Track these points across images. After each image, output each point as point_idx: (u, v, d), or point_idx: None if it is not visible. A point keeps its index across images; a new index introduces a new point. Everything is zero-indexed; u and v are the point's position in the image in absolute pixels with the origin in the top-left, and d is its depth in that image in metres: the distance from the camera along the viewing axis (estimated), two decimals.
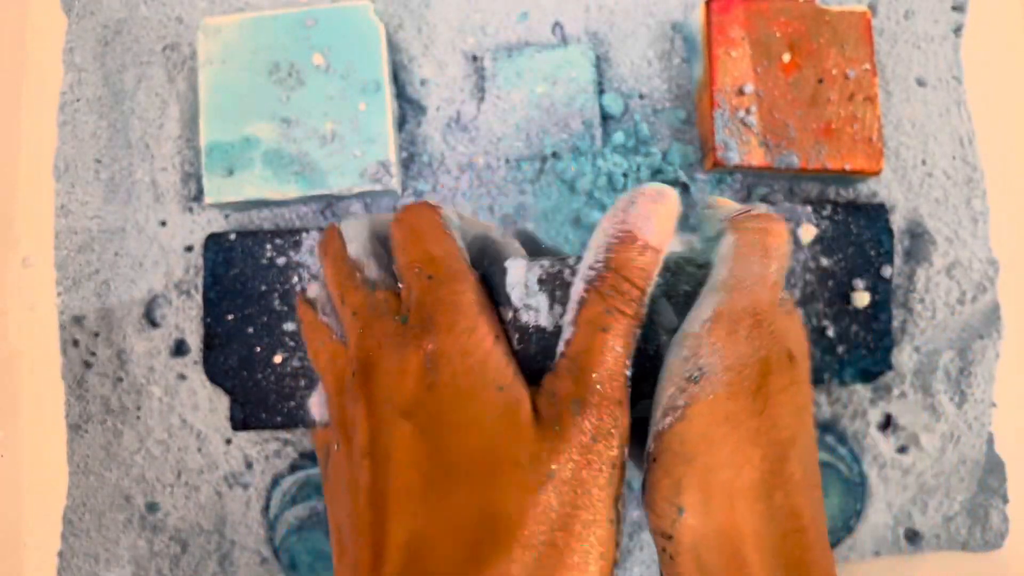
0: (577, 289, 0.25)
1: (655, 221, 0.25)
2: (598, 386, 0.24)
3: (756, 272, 0.26)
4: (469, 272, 0.26)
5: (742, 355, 0.25)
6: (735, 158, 0.44)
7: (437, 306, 0.25)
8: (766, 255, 0.26)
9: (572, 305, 0.25)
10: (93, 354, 0.47)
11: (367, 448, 0.25)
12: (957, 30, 0.49)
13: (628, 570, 0.45)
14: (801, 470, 0.26)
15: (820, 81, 0.45)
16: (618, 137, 0.47)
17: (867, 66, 0.45)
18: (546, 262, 0.26)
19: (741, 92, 0.45)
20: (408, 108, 0.48)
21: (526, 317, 0.26)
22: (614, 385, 0.24)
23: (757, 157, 0.44)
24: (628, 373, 0.25)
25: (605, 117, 0.47)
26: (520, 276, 0.26)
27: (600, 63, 0.48)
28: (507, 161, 0.47)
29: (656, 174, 0.46)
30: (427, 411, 0.24)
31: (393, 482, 0.24)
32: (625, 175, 0.46)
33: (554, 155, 0.46)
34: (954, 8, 0.49)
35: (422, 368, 0.24)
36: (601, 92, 0.47)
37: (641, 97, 0.48)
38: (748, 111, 0.44)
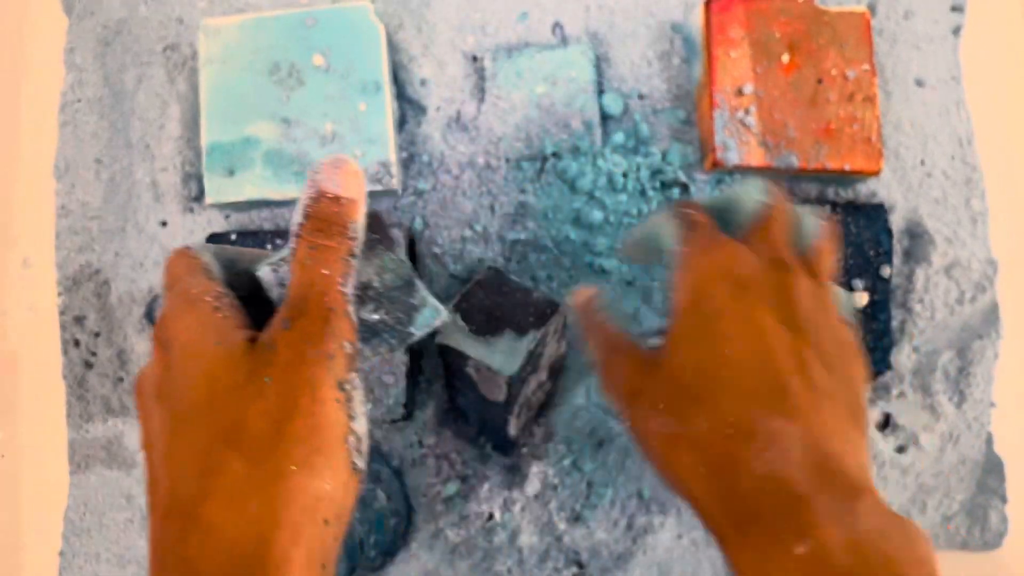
0: (291, 245, 0.28)
1: (339, 177, 0.28)
2: (306, 304, 0.27)
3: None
4: (201, 274, 0.29)
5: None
6: (735, 158, 0.44)
7: (168, 301, 0.28)
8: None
9: (291, 258, 0.28)
10: (94, 354, 0.47)
11: (143, 442, 0.28)
12: (956, 31, 0.49)
13: (629, 571, 0.45)
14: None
15: (819, 81, 0.45)
16: (618, 137, 0.47)
17: (866, 66, 0.45)
18: (285, 259, 0.29)
19: (741, 92, 0.45)
20: (408, 108, 0.48)
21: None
22: (324, 300, 0.27)
23: (757, 157, 0.44)
24: (345, 291, 0.28)
25: (605, 117, 0.47)
26: (270, 278, 0.29)
27: (600, 63, 0.48)
28: (507, 161, 0.47)
29: (656, 174, 0.46)
30: (168, 386, 0.27)
31: (154, 451, 0.27)
32: (625, 175, 0.46)
33: (554, 155, 0.46)
34: (953, 9, 0.49)
35: (160, 356, 0.27)
36: (601, 92, 0.47)
37: (641, 97, 0.48)
38: (747, 111, 0.44)
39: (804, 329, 0.30)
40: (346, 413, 0.27)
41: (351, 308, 0.28)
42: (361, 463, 0.27)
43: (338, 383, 0.27)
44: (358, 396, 0.27)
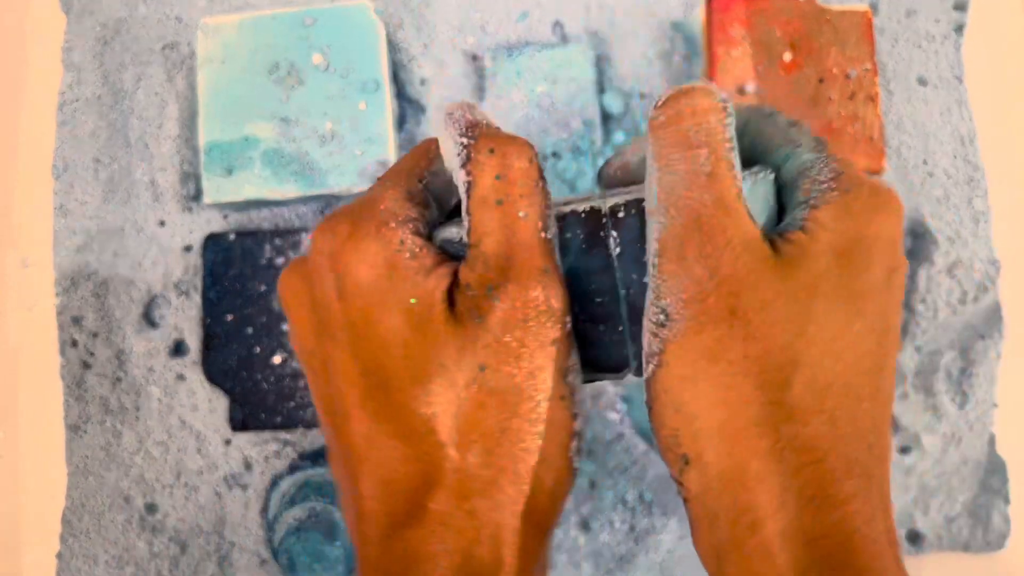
0: (459, 177, 0.24)
1: (481, 113, 0.25)
2: (511, 264, 0.23)
3: (683, 172, 0.22)
4: (396, 188, 0.25)
5: (699, 280, 0.22)
6: None
7: (357, 204, 0.24)
8: (687, 146, 0.22)
9: (461, 195, 0.24)
10: (92, 354, 0.47)
11: (325, 371, 0.25)
12: (958, 29, 0.49)
13: (632, 572, 0.45)
14: (811, 394, 0.22)
15: (821, 80, 0.45)
16: (619, 137, 0.46)
17: (868, 65, 0.45)
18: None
19: (742, 91, 0.44)
20: (408, 107, 0.48)
21: None
22: (531, 254, 0.23)
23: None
24: (547, 236, 0.23)
25: (606, 117, 0.47)
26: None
27: (600, 62, 0.48)
28: None
29: None
30: (349, 331, 0.23)
31: (343, 400, 0.24)
32: None
33: (555, 155, 0.46)
34: (955, 7, 0.49)
35: (328, 274, 0.23)
36: (601, 91, 0.47)
37: (642, 96, 0.48)
38: None
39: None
40: (570, 412, 0.24)
41: (560, 265, 0.24)
42: (578, 462, 0.24)
43: (562, 375, 0.23)
44: (578, 383, 0.24)
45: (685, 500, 0.25)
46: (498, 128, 0.24)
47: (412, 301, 0.23)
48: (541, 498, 0.23)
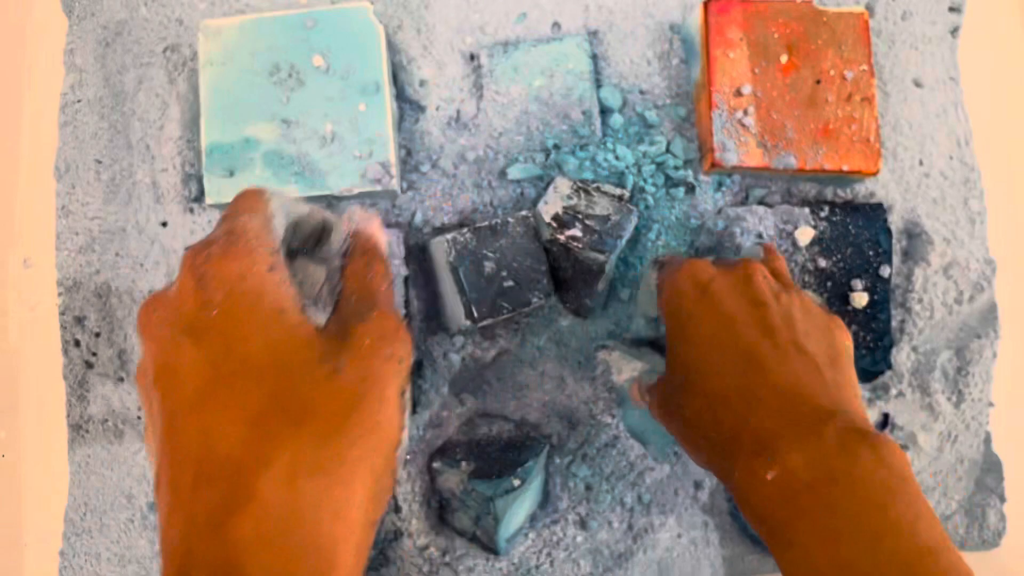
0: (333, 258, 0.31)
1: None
2: (374, 302, 0.29)
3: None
4: (263, 219, 0.28)
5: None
6: (733, 159, 0.44)
7: (223, 233, 0.27)
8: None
9: (335, 265, 0.30)
10: (94, 354, 0.47)
11: (156, 374, 0.25)
12: (954, 31, 0.49)
13: (628, 570, 0.45)
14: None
15: (818, 82, 0.45)
16: (617, 120, 0.47)
17: (864, 67, 0.45)
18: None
19: (739, 93, 0.45)
20: (408, 108, 0.48)
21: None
22: (392, 306, 0.29)
23: (755, 158, 0.44)
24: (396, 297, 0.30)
25: (604, 111, 0.47)
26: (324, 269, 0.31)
27: (599, 61, 0.48)
28: (507, 156, 0.47)
29: (659, 167, 0.47)
30: (205, 325, 0.25)
31: (180, 392, 0.25)
32: (627, 169, 0.46)
33: (555, 147, 0.47)
34: (951, 9, 0.49)
35: (195, 289, 0.25)
36: (599, 87, 0.48)
37: (642, 93, 0.48)
38: (746, 112, 0.45)
39: (767, 302, 0.35)
40: (400, 420, 0.27)
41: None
42: (399, 473, 0.27)
43: (400, 389, 0.27)
44: (408, 409, 0.28)
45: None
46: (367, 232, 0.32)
47: (281, 311, 0.26)
48: (374, 487, 0.26)
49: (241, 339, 0.25)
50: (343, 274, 0.30)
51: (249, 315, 0.25)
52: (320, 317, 0.28)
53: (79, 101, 0.49)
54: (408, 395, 0.27)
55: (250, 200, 0.28)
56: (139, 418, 0.47)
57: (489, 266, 0.42)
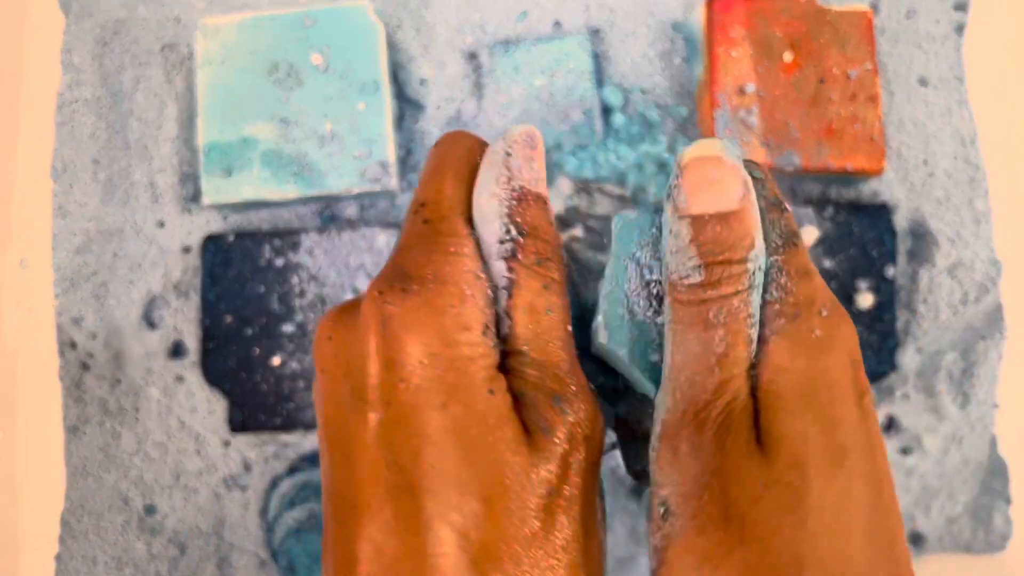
0: (499, 271, 0.21)
1: (538, 168, 0.22)
2: (558, 375, 0.21)
3: (695, 353, 0.21)
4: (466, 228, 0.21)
5: (694, 477, 0.20)
6: None
7: (415, 232, 0.21)
8: (706, 326, 0.21)
9: (500, 290, 0.21)
10: (91, 356, 0.47)
11: (320, 435, 0.21)
12: (959, 29, 0.49)
13: (632, 575, 0.45)
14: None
15: (821, 81, 0.45)
16: (618, 119, 0.46)
17: (869, 66, 0.45)
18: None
19: (742, 92, 0.44)
20: (407, 108, 0.48)
21: None
22: (573, 366, 0.21)
23: (758, 157, 0.44)
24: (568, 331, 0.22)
25: (606, 110, 0.47)
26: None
27: (600, 60, 0.48)
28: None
29: (662, 167, 0.46)
30: (394, 392, 0.19)
31: (358, 493, 0.20)
32: (630, 168, 0.46)
33: (557, 147, 0.46)
34: (956, 7, 0.49)
35: (381, 357, 0.20)
36: (600, 86, 0.47)
37: (643, 92, 0.48)
38: (749, 111, 0.44)
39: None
40: (602, 514, 0.22)
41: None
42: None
43: (599, 484, 0.22)
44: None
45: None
46: (543, 208, 0.22)
47: (491, 392, 0.20)
48: None
49: (445, 430, 0.20)
50: (510, 309, 0.21)
51: (457, 397, 0.20)
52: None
53: (76, 101, 0.49)
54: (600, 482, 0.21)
55: (462, 150, 0.22)
56: (137, 419, 0.46)
57: None
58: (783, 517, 0.20)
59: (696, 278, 0.21)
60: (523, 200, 0.21)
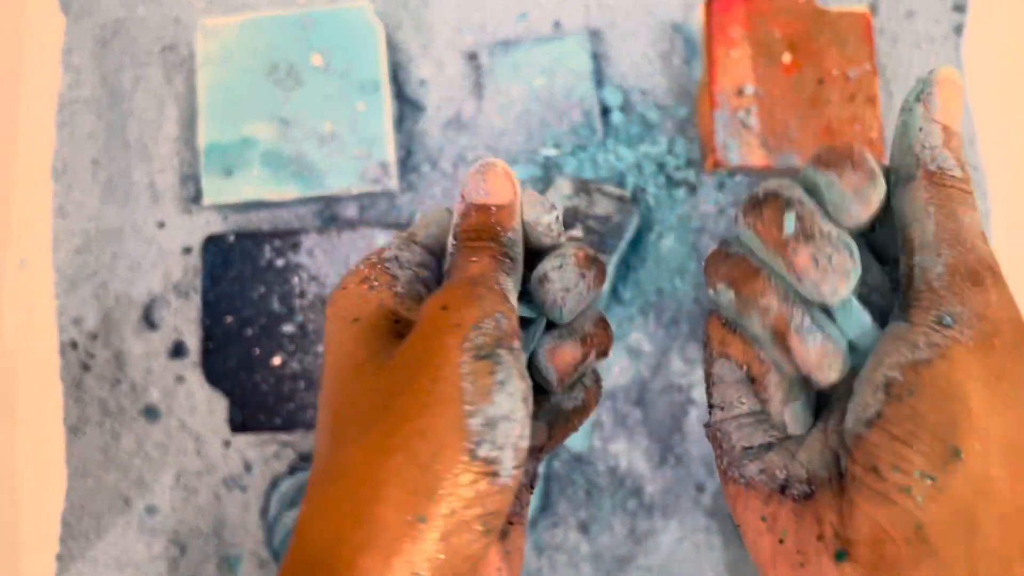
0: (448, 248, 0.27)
1: (488, 184, 0.27)
2: (450, 281, 0.27)
3: (968, 224, 0.24)
4: (405, 238, 0.28)
5: (997, 308, 0.23)
6: (735, 158, 0.44)
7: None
8: (971, 206, 0.25)
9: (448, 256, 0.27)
10: (91, 356, 0.47)
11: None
12: (958, 30, 0.49)
13: (631, 573, 0.45)
14: None
15: (820, 81, 0.45)
16: (618, 119, 0.46)
17: (868, 66, 0.45)
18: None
19: (741, 92, 0.44)
20: (407, 108, 0.48)
21: None
22: (471, 276, 0.26)
23: (757, 157, 0.44)
24: (498, 276, 0.26)
25: (605, 110, 0.47)
26: None
27: (600, 61, 0.48)
28: (507, 156, 0.47)
29: (661, 167, 0.46)
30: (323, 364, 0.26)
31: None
32: (629, 169, 0.46)
33: (556, 146, 0.46)
34: (955, 8, 0.49)
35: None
36: (600, 87, 0.47)
37: (643, 93, 0.48)
38: (748, 111, 0.44)
39: None
40: (476, 388, 0.22)
41: (505, 284, 0.25)
42: (489, 451, 0.22)
43: (475, 356, 0.23)
44: (503, 373, 0.23)
45: (923, 499, 0.23)
46: (486, 211, 0.28)
47: (353, 320, 0.25)
48: (416, 480, 0.22)
49: (325, 368, 0.25)
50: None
51: (331, 340, 0.25)
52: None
53: (76, 101, 0.49)
54: (500, 358, 0.22)
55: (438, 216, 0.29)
56: (135, 419, 0.46)
57: None
58: None
59: (959, 173, 0.25)
60: (467, 213, 0.27)
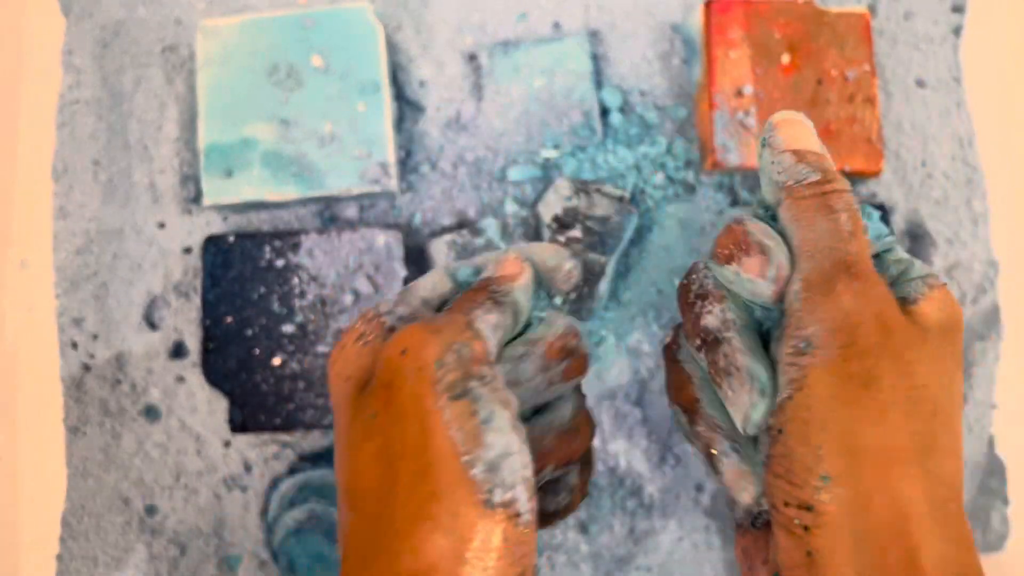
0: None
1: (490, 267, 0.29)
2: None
3: (827, 230, 0.25)
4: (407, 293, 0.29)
5: (853, 312, 0.24)
6: (735, 159, 0.44)
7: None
8: (831, 209, 0.25)
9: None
10: (92, 356, 0.47)
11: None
12: (957, 31, 0.49)
13: (628, 574, 0.45)
14: (948, 437, 0.24)
15: (819, 82, 0.45)
16: (617, 120, 0.46)
17: (866, 67, 0.45)
18: None
19: (740, 93, 0.44)
20: (407, 109, 0.48)
21: None
22: (466, 311, 0.28)
23: (757, 159, 0.44)
24: (470, 318, 0.26)
25: (605, 112, 0.47)
26: None
27: (599, 62, 0.48)
28: (507, 156, 0.47)
29: (660, 168, 0.46)
30: None
31: None
32: (629, 169, 0.46)
33: (556, 147, 0.46)
34: (954, 9, 0.49)
35: None
36: (599, 88, 0.47)
37: (642, 94, 0.48)
38: (747, 112, 0.44)
39: None
40: (464, 435, 0.22)
41: (475, 315, 0.25)
42: (502, 495, 0.21)
43: (451, 395, 0.22)
44: (484, 409, 0.22)
45: (808, 529, 0.23)
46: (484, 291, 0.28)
47: (345, 379, 0.26)
48: (438, 547, 0.22)
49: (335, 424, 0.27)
50: None
51: (333, 397, 0.27)
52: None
53: (77, 102, 0.49)
54: (475, 393, 0.22)
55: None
56: (135, 419, 0.46)
57: None
58: (933, 369, 0.24)
59: (815, 177, 0.26)
60: (479, 288, 0.27)
